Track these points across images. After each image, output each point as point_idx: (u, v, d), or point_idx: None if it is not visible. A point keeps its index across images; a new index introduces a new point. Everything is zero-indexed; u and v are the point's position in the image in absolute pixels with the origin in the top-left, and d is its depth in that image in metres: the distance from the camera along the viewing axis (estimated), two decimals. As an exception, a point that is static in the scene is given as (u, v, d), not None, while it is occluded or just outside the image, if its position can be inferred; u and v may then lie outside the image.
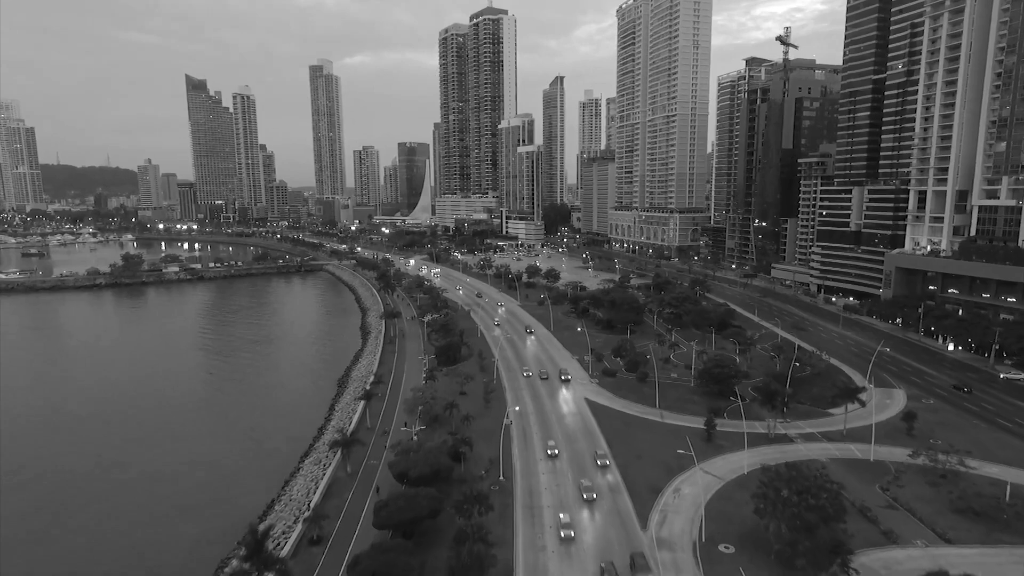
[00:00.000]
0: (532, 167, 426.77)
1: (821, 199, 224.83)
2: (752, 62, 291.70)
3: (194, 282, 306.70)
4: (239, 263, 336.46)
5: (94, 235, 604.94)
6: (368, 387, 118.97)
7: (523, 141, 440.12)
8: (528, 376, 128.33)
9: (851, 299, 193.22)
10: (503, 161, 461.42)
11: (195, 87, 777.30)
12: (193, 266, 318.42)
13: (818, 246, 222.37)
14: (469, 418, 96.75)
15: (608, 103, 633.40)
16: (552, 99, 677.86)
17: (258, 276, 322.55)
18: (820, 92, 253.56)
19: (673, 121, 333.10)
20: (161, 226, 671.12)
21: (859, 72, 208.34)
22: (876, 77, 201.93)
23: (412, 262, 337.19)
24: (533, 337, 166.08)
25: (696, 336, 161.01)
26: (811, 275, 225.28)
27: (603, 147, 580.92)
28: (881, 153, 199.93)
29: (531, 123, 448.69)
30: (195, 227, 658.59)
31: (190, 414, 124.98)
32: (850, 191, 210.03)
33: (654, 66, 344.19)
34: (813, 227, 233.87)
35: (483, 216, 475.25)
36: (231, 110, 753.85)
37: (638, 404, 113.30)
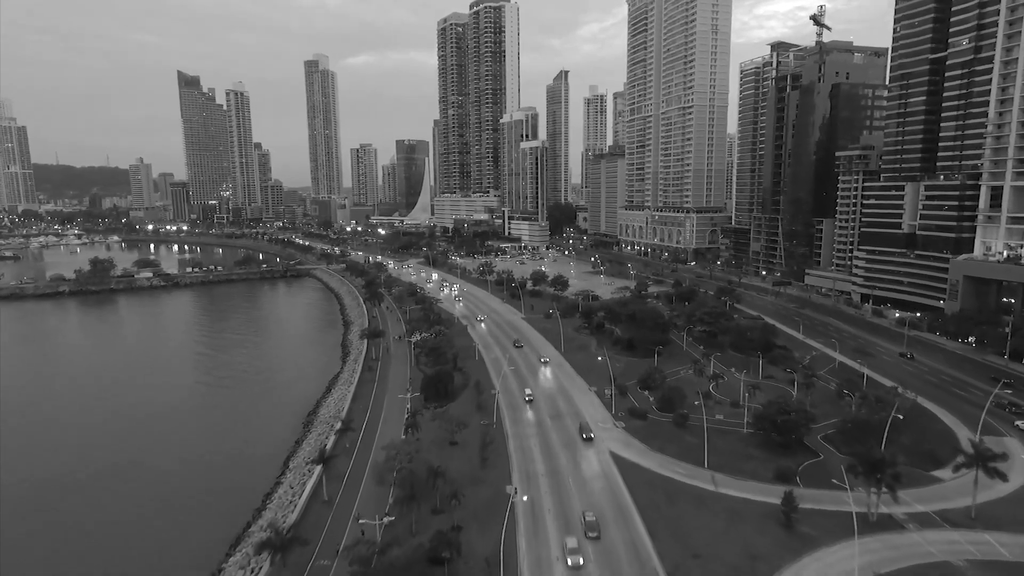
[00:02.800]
0: (536, 164, 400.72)
1: (865, 197, 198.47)
2: (779, 47, 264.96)
3: (169, 289, 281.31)
4: (219, 268, 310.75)
5: (79, 236, 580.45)
6: (329, 445, 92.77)
7: (526, 136, 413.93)
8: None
9: (917, 313, 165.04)
10: (505, 158, 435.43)
11: (187, 83, 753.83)
12: (168, 272, 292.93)
13: (862, 250, 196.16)
14: (458, 497, 70.70)
15: (615, 97, 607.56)
16: (556, 94, 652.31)
17: (239, 282, 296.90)
18: (848, 77, 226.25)
19: (689, 113, 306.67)
20: (150, 227, 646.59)
21: (912, 52, 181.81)
22: (934, 56, 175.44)
23: (408, 266, 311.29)
24: (541, 361, 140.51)
25: (735, 360, 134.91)
26: (854, 283, 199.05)
27: (610, 144, 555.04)
28: (940, 143, 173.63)
29: (535, 117, 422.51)
30: (185, 228, 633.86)
31: (112, 476, 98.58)
32: (902, 187, 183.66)
33: (668, 54, 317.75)
34: (854, 229, 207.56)
35: (484, 216, 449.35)
36: (224, 107, 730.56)
37: (680, 462, 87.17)
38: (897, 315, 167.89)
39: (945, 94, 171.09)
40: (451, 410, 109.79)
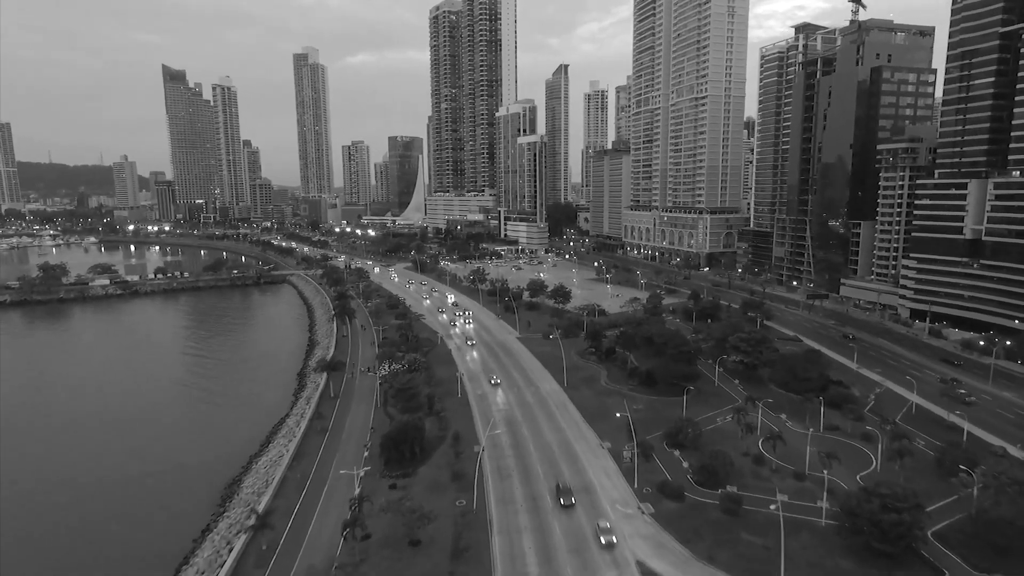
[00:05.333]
0: (534, 160, 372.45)
1: (916, 196, 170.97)
2: (805, 28, 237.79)
3: (126, 298, 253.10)
4: (185, 274, 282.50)
5: (53, 237, 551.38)
6: (229, 561, 64.50)
7: (524, 131, 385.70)
8: None
9: (1007, 342, 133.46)
10: (501, 154, 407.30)
11: (173, 78, 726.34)
12: (127, 279, 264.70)
13: (912, 258, 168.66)
14: None
15: (618, 92, 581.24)
16: (556, 89, 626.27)
17: (206, 290, 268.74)
18: (890, 59, 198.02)
19: (703, 104, 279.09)
20: (131, 227, 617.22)
21: (977, 25, 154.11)
22: (1005, 30, 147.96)
23: (394, 272, 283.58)
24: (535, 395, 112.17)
25: (783, 401, 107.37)
26: (902, 296, 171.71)
27: (613, 140, 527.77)
28: (1013, 133, 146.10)
29: (533, 110, 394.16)
30: (167, 228, 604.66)
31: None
32: (964, 185, 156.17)
33: (679, 39, 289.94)
34: (900, 232, 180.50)
35: (479, 217, 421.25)
36: (211, 103, 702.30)
37: (742, 585, 59.74)
38: (985, 344, 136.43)
39: (1021, 74, 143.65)
40: (419, 477, 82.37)
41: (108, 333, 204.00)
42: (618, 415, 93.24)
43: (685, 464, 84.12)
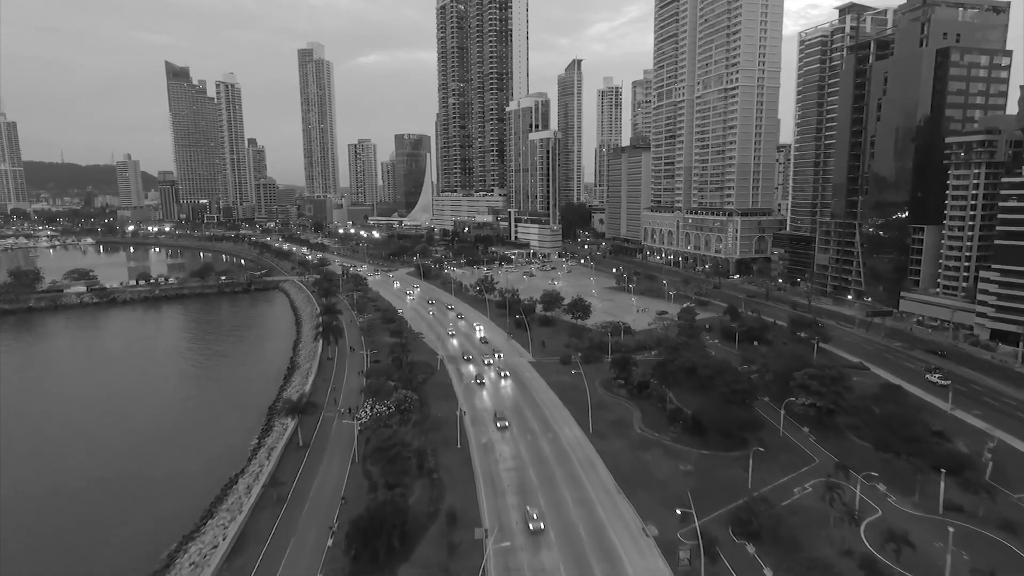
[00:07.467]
0: (547, 158, 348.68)
1: (1001, 197, 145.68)
2: (852, 9, 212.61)
3: (104, 307, 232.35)
4: (170, 280, 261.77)
5: (50, 239, 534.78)
6: None
7: (536, 126, 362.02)
8: None
9: None
10: (512, 151, 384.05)
11: (176, 75, 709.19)
12: (105, 286, 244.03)
13: (994, 270, 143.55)
14: None
15: (634, 87, 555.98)
16: (568, 85, 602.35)
17: (192, 298, 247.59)
18: (959, 39, 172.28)
19: (733, 96, 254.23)
20: (131, 227, 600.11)
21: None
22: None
23: (396, 278, 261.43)
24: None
25: (872, 459, 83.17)
26: (980, 314, 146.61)
27: (630, 137, 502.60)
28: None
29: (546, 103, 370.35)
30: (167, 229, 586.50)
31: None
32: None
33: (707, 25, 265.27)
34: (975, 239, 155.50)
35: (487, 218, 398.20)
36: (215, 100, 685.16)
37: None
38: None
39: None
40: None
41: (72, 350, 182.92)
42: (679, 512, 68.54)
43: (767, 572, 60.43)
